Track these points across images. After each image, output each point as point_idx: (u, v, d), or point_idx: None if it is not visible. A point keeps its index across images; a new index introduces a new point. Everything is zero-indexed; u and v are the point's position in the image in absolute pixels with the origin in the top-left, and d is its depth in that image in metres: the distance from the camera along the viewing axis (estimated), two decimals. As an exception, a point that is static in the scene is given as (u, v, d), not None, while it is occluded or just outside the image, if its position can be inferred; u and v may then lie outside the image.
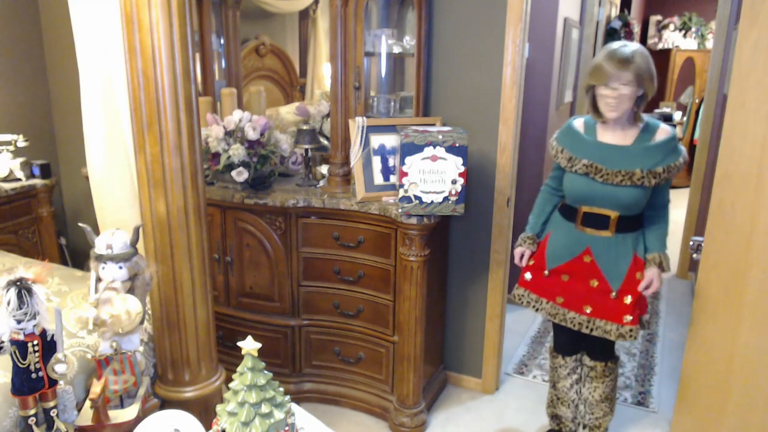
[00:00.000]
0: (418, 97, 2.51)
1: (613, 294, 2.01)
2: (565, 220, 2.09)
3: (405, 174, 2.14)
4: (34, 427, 1.34)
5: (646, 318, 2.09)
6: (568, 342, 2.25)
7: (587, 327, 2.05)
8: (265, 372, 1.22)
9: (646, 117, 2.00)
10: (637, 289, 1.98)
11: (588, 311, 2.05)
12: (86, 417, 1.36)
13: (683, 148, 1.98)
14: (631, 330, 1.98)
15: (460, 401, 2.75)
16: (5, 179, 2.99)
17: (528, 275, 2.18)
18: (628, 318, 1.99)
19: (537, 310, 2.17)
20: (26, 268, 1.28)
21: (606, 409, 2.26)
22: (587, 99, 2.01)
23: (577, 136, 2.03)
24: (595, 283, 2.03)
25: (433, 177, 2.13)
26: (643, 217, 2.05)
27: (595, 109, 1.98)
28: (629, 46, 1.90)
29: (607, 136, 1.99)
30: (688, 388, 1.57)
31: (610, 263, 2.01)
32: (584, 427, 2.34)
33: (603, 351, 2.19)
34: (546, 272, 2.12)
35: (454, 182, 2.15)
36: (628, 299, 1.99)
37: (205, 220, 1.61)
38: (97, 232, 1.50)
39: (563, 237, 2.09)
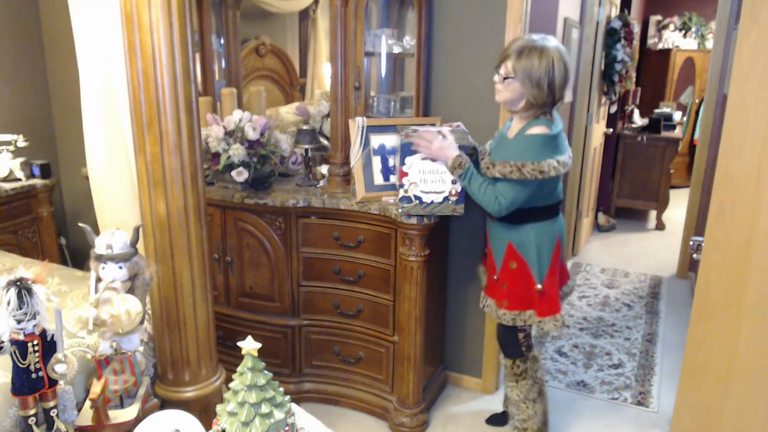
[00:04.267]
0: (418, 97, 2.51)
1: (495, 277, 2.18)
2: None
3: (405, 174, 2.13)
4: (34, 427, 1.34)
5: (553, 318, 2.09)
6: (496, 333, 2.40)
7: (482, 303, 2.26)
8: (265, 372, 1.22)
9: (555, 116, 2.02)
10: (511, 278, 2.11)
11: (486, 289, 2.27)
12: (86, 417, 1.36)
13: (540, 155, 1.90)
14: (504, 314, 2.14)
15: (460, 401, 2.75)
16: (5, 179, 2.98)
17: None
18: (504, 303, 2.14)
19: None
20: (26, 268, 1.28)
21: (530, 412, 2.26)
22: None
23: (503, 127, 2.18)
24: (490, 264, 2.23)
25: (433, 177, 2.13)
26: (517, 212, 2.03)
27: None
28: (549, 41, 1.90)
29: (511, 128, 2.10)
30: (688, 388, 1.57)
31: (495, 248, 2.18)
32: (515, 428, 2.34)
33: (505, 348, 2.25)
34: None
35: (454, 182, 2.15)
36: (504, 285, 2.14)
37: (205, 220, 1.61)
38: (97, 232, 1.50)
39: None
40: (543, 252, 2.06)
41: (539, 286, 2.07)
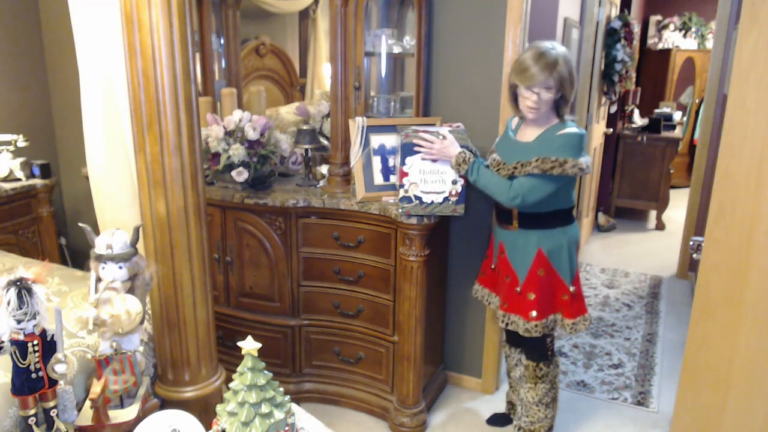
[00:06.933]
0: (418, 97, 2.51)
1: (518, 289, 2.10)
2: (495, 218, 2.23)
3: (405, 174, 2.14)
4: (34, 427, 1.34)
5: (583, 318, 2.13)
6: (510, 333, 2.37)
7: (503, 321, 2.16)
8: (265, 372, 1.22)
9: (569, 119, 2.03)
10: (539, 286, 2.06)
11: (505, 306, 2.17)
12: (86, 417, 1.36)
13: (578, 153, 1.94)
14: (536, 325, 2.08)
15: (460, 401, 2.75)
16: (5, 179, 2.98)
17: (483, 272, 2.36)
18: (533, 314, 2.08)
19: (489, 303, 2.33)
20: (26, 268, 1.28)
21: (540, 415, 2.26)
22: (509, 94, 2.07)
23: (506, 133, 2.15)
24: (508, 278, 2.15)
25: (434, 177, 2.13)
26: (549, 216, 2.06)
27: (515, 105, 2.06)
28: (556, 49, 1.94)
29: (521, 133, 2.08)
30: (688, 388, 1.57)
31: (517, 258, 2.11)
32: (519, 429, 2.33)
33: (532, 350, 2.22)
34: (492, 266, 2.28)
35: (454, 182, 2.15)
36: (531, 296, 2.08)
37: (205, 220, 1.61)
38: (97, 232, 1.50)
39: (494, 234, 2.25)
40: (572, 255, 2.09)
41: (572, 289, 2.09)
